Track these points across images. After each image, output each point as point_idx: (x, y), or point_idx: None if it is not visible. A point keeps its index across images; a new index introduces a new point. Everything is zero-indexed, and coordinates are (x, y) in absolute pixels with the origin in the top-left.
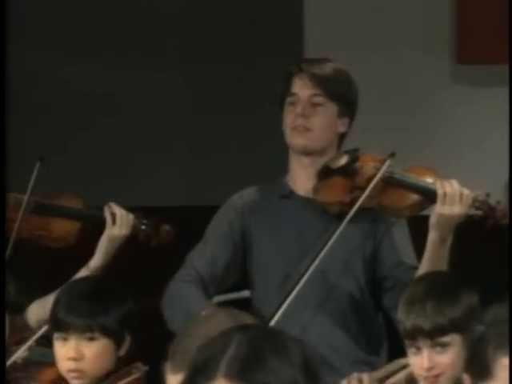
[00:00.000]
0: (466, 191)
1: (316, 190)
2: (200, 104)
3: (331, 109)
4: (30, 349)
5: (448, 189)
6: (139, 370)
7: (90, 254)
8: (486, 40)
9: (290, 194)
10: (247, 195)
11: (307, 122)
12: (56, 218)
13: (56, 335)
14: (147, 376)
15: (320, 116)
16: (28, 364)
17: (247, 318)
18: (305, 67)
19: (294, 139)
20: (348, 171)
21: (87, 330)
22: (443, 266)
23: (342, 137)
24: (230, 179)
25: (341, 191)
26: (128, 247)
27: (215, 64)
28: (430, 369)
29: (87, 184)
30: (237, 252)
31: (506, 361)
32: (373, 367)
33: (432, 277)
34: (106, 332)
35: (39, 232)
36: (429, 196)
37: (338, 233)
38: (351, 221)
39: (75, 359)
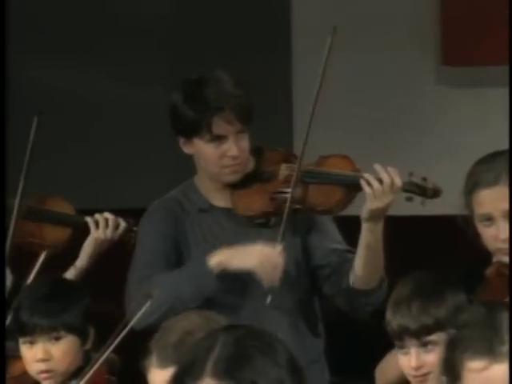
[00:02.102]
0: (398, 181)
1: (235, 201)
2: None
3: (247, 134)
4: None
5: (375, 183)
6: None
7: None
8: (471, 42)
9: (210, 208)
10: (170, 213)
11: (238, 160)
12: (47, 224)
13: (22, 340)
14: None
15: (245, 147)
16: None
17: (218, 317)
18: (224, 104)
19: (225, 177)
20: (259, 175)
21: (52, 330)
22: (380, 254)
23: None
24: None
25: (260, 200)
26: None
27: (203, 66)
28: (418, 368)
29: (78, 186)
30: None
31: (473, 364)
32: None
33: (417, 278)
34: (71, 329)
35: (31, 238)
36: (354, 186)
37: (283, 230)
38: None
39: (44, 360)
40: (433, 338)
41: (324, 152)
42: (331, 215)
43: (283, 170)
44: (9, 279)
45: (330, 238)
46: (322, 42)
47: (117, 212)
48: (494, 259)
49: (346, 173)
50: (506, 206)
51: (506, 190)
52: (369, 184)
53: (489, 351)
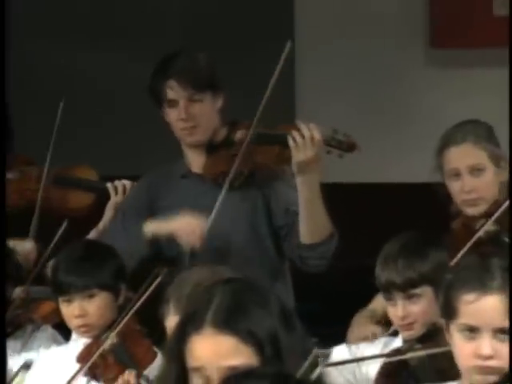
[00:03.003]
0: (316, 134)
1: (205, 166)
2: None
3: (208, 99)
4: (28, 287)
5: (297, 138)
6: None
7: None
8: (458, 25)
9: (188, 174)
10: (155, 177)
11: (192, 122)
12: (73, 189)
13: (60, 298)
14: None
15: (202, 111)
16: (27, 301)
17: (226, 271)
18: (176, 72)
19: (186, 138)
20: (227, 143)
21: (86, 289)
22: (320, 209)
23: (221, 110)
24: None
25: (223, 162)
26: None
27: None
28: (404, 318)
29: (101, 156)
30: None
31: (467, 297)
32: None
33: (404, 238)
34: (103, 287)
35: (57, 203)
36: (286, 143)
37: (220, 198)
38: (241, 187)
39: (81, 316)
40: (417, 291)
41: None
42: (273, 169)
43: (238, 134)
44: (30, 245)
45: (287, 200)
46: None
47: (134, 178)
48: (456, 210)
49: (280, 132)
50: (471, 161)
51: (471, 148)
52: (293, 139)
53: (480, 285)
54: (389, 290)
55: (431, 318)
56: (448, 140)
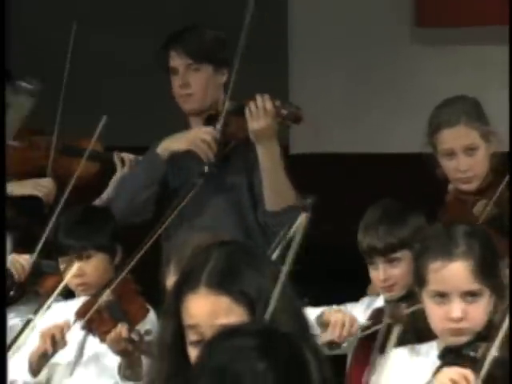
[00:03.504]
0: (268, 105)
1: None
2: None
3: (206, 70)
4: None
5: (252, 107)
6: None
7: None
8: (442, 4)
9: None
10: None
11: (189, 89)
12: (79, 159)
13: (60, 259)
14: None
15: (198, 80)
16: (35, 274)
17: (225, 235)
18: (176, 41)
19: (183, 105)
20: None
21: (84, 250)
22: (280, 178)
23: (225, 85)
24: None
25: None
26: None
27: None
28: (385, 280)
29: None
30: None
31: (433, 265)
32: None
33: (384, 205)
34: (100, 248)
35: (64, 171)
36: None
37: (207, 168)
38: (228, 155)
39: (79, 276)
40: (397, 255)
41: (304, 102)
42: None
43: (226, 107)
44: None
45: None
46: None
47: (138, 148)
48: (451, 187)
49: (242, 104)
50: (465, 142)
51: (464, 129)
52: (249, 109)
53: (445, 253)
54: (370, 254)
55: (410, 280)
56: (441, 121)
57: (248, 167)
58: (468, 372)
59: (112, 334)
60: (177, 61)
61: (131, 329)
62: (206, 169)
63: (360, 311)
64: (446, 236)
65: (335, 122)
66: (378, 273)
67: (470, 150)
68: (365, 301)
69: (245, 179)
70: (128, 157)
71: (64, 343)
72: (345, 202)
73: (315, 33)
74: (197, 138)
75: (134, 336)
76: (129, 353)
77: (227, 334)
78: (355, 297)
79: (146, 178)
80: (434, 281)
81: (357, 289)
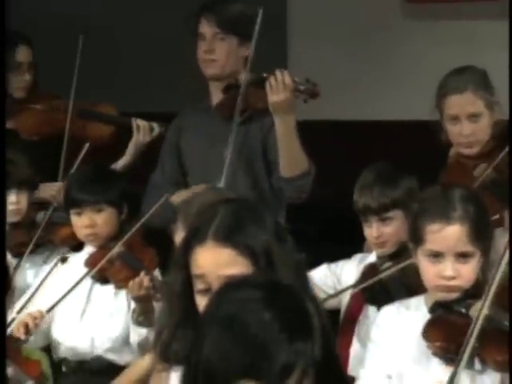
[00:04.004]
0: (287, 80)
1: (219, 102)
2: None
3: (231, 41)
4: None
5: (272, 81)
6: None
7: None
8: None
9: (208, 108)
10: (183, 114)
11: (213, 55)
12: (95, 122)
13: (72, 211)
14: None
15: (222, 49)
16: (48, 224)
17: (230, 193)
18: (208, 10)
19: (205, 69)
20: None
21: (96, 204)
22: (295, 146)
23: (246, 59)
24: None
25: (233, 102)
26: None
27: None
28: (378, 237)
29: (119, 94)
30: (176, 156)
31: (431, 227)
32: None
33: (378, 167)
34: (111, 204)
35: (81, 133)
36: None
37: (234, 129)
38: (246, 122)
39: (90, 226)
40: (389, 214)
41: (302, 72)
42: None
43: (241, 79)
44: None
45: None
46: None
47: (154, 115)
48: (452, 151)
49: (263, 77)
50: (471, 109)
51: (471, 97)
52: (269, 83)
53: (443, 216)
54: (365, 213)
55: (401, 238)
56: (450, 87)
57: (263, 135)
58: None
59: (136, 281)
60: (206, 28)
61: (151, 276)
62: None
63: (353, 266)
64: (444, 199)
65: (332, 91)
66: (372, 230)
67: (474, 116)
68: (357, 257)
69: (260, 146)
70: (142, 123)
71: (36, 330)
72: (343, 167)
73: (313, 9)
74: None
75: (156, 282)
76: (147, 299)
77: (235, 285)
78: (352, 253)
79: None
80: (431, 241)
81: (354, 246)
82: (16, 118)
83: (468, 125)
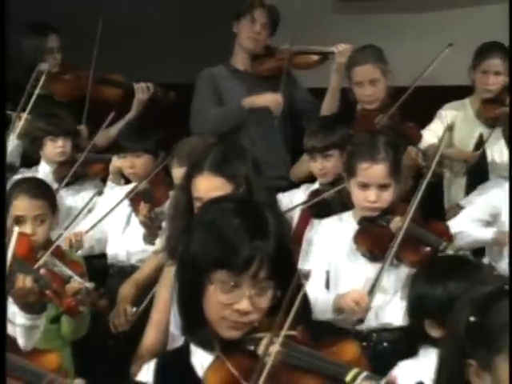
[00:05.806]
0: (348, 47)
1: (253, 66)
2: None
3: (271, 30)
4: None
5: (340, 48)
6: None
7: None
8: None
9: (236, 70)
10: (213, 70)
11: (260, 37)
12: (108, 86)
13: (118, 156)
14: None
15: (265, 31)
16: (85, 161)
17: (212, 139)
18: (263, 7)
19: (249, 45)
20: (270, 53)
21: (136, 151)
22: (337, 95)
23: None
24: None
25: (270, 63)
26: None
27: None
28: (321, 169)
29: (128, 65)
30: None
31: (362, 165)
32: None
33: (322, 120)
34: (148, 151)
35: (97, 95)
36: (326, 55)
37: (283, 85)
38: (282, 80)
39: (132, 167)
40: (329, 152)
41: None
42: (306, 69)
43: (281, 47)
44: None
45: (306, 96)
46: None
47: (162, 84)
48: (359, 107)
49: (324, 47)
50: (371, 76)
51: (371, 67)
52: (338, 48)
53: (371, 157)
54: (312, 152)
55: (338, 170)
56: (355, 61)
57: (292, 87)
58: (365, 294)
59: (142, 212)
60: (260, 17)
61: (151, 209)
62: (276, 122)
63: (301, 192)
64: (372, 144)
65: None
66: (317, 164)
67: (373, 81)
68: (304, 186)
69: (288, 95)
70: (140, 84)
71: (78, 244)
72: None
73: None
74: (274, 100)
75: (153, 215)
76: (148, 226)
77: (216, 200)
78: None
79: (232, 119)
80: (361, 175)
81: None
82: (52, 85)
83: (369, 88)
